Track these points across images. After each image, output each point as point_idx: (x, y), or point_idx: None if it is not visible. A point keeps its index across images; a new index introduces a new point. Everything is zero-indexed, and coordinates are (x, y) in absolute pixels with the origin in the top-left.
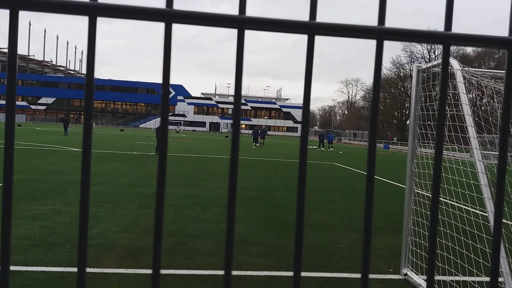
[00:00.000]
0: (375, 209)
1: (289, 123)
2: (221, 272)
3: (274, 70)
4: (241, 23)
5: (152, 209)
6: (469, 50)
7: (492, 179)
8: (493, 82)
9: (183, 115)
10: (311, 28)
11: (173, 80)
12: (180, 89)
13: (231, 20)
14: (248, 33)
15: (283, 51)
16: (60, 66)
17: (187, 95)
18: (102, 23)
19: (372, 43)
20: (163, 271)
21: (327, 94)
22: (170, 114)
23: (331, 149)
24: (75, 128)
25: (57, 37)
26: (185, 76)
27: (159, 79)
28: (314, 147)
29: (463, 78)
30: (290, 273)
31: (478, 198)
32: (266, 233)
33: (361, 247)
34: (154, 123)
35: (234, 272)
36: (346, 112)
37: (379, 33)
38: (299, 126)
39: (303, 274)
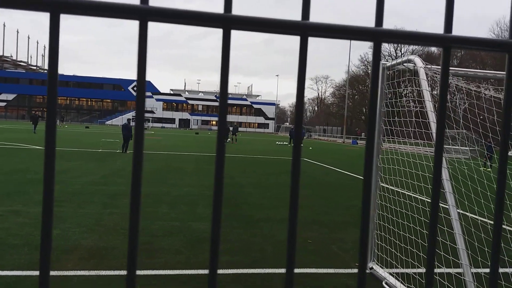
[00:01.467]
0: (341, 202)
1: (260, 120)
2: (187, 272)
3: (244, 67)
4: (227, 22)
5: (116, 208)
6: (434, 48)
7: (453, 173)
8: (455, 79)
9: (152, 112)
10: (304, 29)
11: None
12: (148, 86)
13: (216, 19)
14: (219, 31)
15: (254, 48)
16: (21, 61)
17: (155, 91)
18: (70, 18)
19: (342, 42)
20: (124, 272)
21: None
22: None
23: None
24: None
25: (17, 31)
26: (154, 72)
27: (127, 76)
28: (285, 143)
29: (426, 75)
30: (255, 270)
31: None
32: (232, 230)
33: (327, 241)
34: (120, 119)
35: (200, 271)
36: (316, 109)
37: (376, 35)
38: (270, 122)
39: (269, 271)
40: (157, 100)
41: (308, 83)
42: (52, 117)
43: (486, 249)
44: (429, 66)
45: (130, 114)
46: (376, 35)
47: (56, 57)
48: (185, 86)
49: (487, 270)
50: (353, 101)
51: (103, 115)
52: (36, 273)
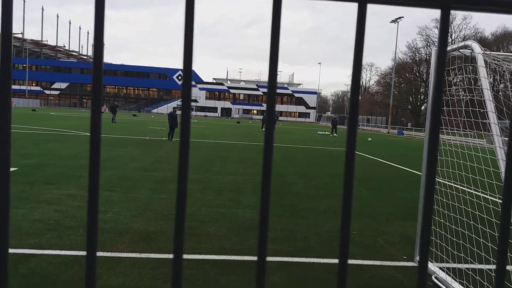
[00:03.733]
0: (388, 195)
1: (301, 109)
2: (233, 257)
3: (288, 56)
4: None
5: (164, 194)
6: (487, 33)
7: None
8: (502, 63)
9: (195, 101)
10: (446, 2)
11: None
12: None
13: None
14: (266, 19)
15: (300, 36)
16: (73, 51)
17: (198, 80)
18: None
19: (389, 27)
20: (172, 256)
21: (340, 79)
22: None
23: (335, 134)
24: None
25: (70, 22)
26: (197, 61)
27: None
28: (326, 133)
29: (484, 62)
30: (300, 259)
31: (498, 186)
32: (276, 219)
33: (373, 233)
34: (166, 108)
35: (245, 257)
36: (360, 98)
37: (445, 1)
38: (311, 111)
39: (314, 260)
40: (200, 89)
41: (350, 71)
42: (97, 106)
43: None
44: (488, 52)
45: (175, 103)
46: (445, 1)
47: (101, 43)
48: (227, 75)
49: None
50: (399, 89)
51: (149, 104)
52: None
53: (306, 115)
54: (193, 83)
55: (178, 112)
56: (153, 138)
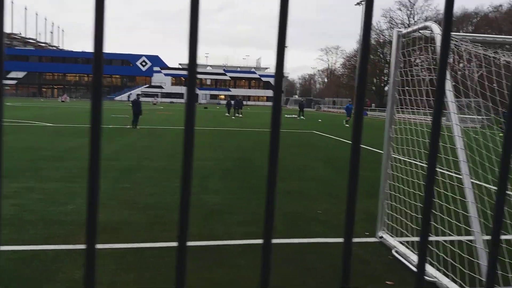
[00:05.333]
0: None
1: (269, 93)
2: (199, 243)
3: (256, 40)
4: None
5: (128, 183)
6: None
7: (468, 142)
8: (471, 46)
9: (160, 87)
10: None
11: (149, 51)
12: (156, 60)
13: None
14: (235, 4)
15: (270, 22)
16: (30, 38)
17: (163, 66)
18: None
19: (354, 10)
20: (141, 245)
21: (307, 63)
22: (147, 86)
23: (302, 117)
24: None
25: (26, 8)
26: (162, 46)
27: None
28: (294, 116)
29: None
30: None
31: (454, 162)
32: (243, 202)
33: (338, 212)
34: (129, 95)
35: (210, 242)
36: (326, 80)
37: None
38: None
39: (281, 240)
40: (166, 75)
41: (317, 54)
42: (98, 96)
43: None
44: None
45: (139, 90)
46: None
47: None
48: None
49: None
50: None
51: (112, 91)
52: (52, 247)
53: None
54: (158, 68)
55: (143, 99)
56: (116, 126)
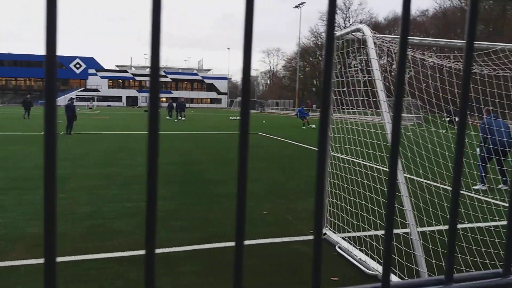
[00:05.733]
0: (296, 173)
1: (213, 95)
2: (142, 252)
3: (199, 42)
4: None
5: (63, 193)
6: (381, 18)
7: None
8: (391, 44)
9: (96, 90)
10: None
11: (82, 52)
12: (91, 62)
13: None
14: (173, 4)
15: (213, 23)
16: None
17: (99, 68)
18: None
19: (293, 12)
20: (79, 257)
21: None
22: (81, 89)
23: None
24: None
25: None
26: (96, 47)
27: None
28: (238, 118)
29: (374, 44)
30: (213, 245)
31: (388, 158)
32: (189, 207)
33: (283, 211)
34: (63, 99)
35: (156, 250)
36: (268, 82)
37: None
38: (223, 97)
39: (226, 244)
40: (102, 77)
41: (259, 56)
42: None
43: (430, 209)
44: (377, 35)
45: (74, 93)
46: None
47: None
48: (131, 61)
49: (431, 228)
50: (304, 73)
51: (43, 95)
52: None
53: (218, 101)
54: (94, 71)
55: (77, 103)
56: None
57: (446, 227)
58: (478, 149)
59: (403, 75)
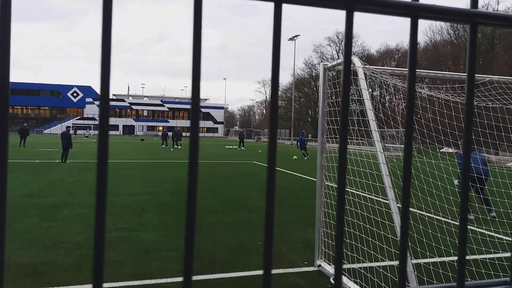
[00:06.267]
0: (291, 203)
1: (209, 124)
2: (132, 283)
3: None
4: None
5: (55, 221)
6: (373, 51)
7: (392, 169)
8: (391, 78)
9: (93, 119)
10: (414, 10)
11: (80, 81)
12: (88, 91)
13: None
14: (174, 35)
15: (207, 53)
16: None
17: (96, 97)
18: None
19: (287, 45)
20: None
21: (246, 94)
22: (78, 117)
23: (242, 148)
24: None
25: None
26: (93, 77)
27: (69, 81)
28: (234, 147)
29: (364, 75)
30: (205, 276)
31: (381, 188)
32: (181, 237)
33: (277, 242)
34: (60, 128)
35: (146, 281)
36: (264, 111)
37: (413, 10)
38: (219, 126)
39: (218, 276)
40: (99, 106)
41: (255, 86)
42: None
43: (424, 239)
44: (367, 66)
45: (71, 122)
46: (414, 8)
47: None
48: (128, 90)
49: (426, 260)
50: (300, 103)
51: (40, 124)
52: None
53: (214, 130)
54: (91, 99)
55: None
56: (44, 161)
57: (441, 259)
58: (455, 181)
59: (412, 109)
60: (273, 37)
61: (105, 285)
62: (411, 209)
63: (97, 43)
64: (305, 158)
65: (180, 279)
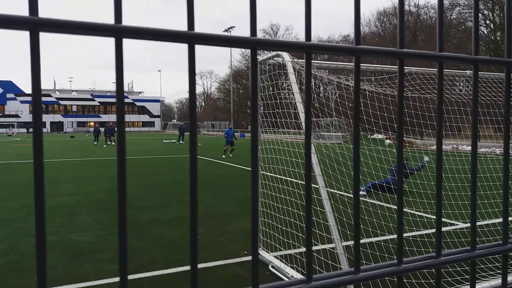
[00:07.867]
0: (229, 194)
1: (145, 118)
2: (67, 287)
3: (128, 64)
4: (118, 32)
5: None
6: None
7: (321, 157)
8: (321, 72)
9: (16, 116)
10: (191, 39)
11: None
12: (9, 86)
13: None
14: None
15: (145, 44)
16: None
17: (19, 93)
18: None
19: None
20: None
21: (183, 87)
22: (0, 115)
23: (181, 141)
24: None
25: None
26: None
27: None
28: (173, 140)
29: (293, 69)
30: (142, 275)
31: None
32: (116, 237)
33: (216, 234)
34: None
35: (82, 285)
36: (203, 104)
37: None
38: (156, 120)
39: (156, 273)
40: (22, 102)
41: None
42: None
43: (352, 223)
44: (295, 60)
45: None
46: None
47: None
48: (54, 85)
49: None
50: (238, 95)
51: None
52: None
53: (151, 124)
54: (13, 95)
55: None
56: None
57: (370, 239)
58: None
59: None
60: (188, 75)
61: None
62: (339, 192)
63: (12, 33)
64: (230, 155)
65: (116, 279)
